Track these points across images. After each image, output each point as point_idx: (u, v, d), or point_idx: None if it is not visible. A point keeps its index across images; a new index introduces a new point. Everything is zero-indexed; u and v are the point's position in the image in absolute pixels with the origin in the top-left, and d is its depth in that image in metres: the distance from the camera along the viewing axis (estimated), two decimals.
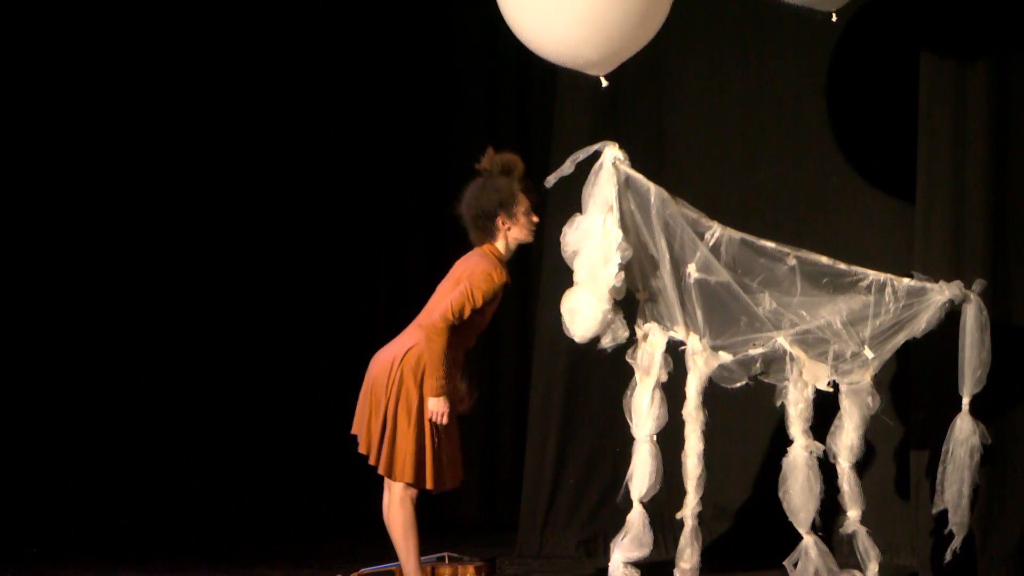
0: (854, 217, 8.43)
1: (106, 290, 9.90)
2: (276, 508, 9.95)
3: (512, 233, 6.97)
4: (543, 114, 9.20)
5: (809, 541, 7.22)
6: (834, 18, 7.22)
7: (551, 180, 7.17)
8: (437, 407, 6.78)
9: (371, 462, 6.86)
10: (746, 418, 8.45)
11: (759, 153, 8.69)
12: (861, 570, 7.30)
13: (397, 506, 6.85)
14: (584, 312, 7.12)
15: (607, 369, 8.02)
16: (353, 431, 6.98)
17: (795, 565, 7.27)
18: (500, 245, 6.98)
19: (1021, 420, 7.79)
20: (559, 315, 7.29)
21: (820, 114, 8.55)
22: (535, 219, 7.02)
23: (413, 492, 6.83)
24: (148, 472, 9.87)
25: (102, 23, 9.84)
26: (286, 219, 10.08)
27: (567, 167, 7.20)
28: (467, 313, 6.80)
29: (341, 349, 9.84)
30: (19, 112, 9.81)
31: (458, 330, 6.80)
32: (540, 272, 8.73)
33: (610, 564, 7.27)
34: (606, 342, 7.19)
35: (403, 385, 6.80)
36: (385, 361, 6.89)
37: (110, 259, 9.91)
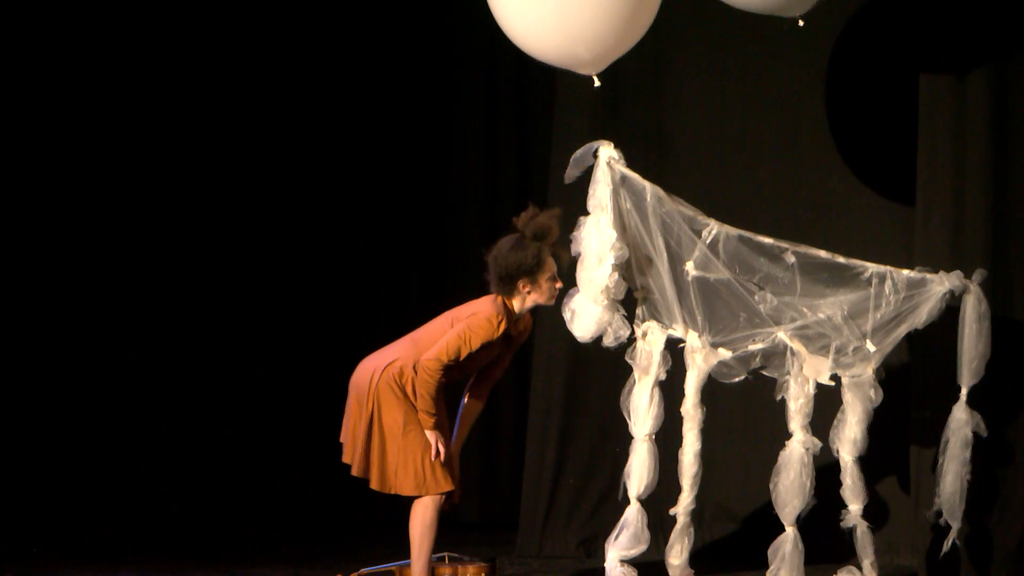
0: (854, 217, 8.43)
1: (105, 291, 9.89)
2: (276, 508, 9.95)
3: (532, 296, 7.03)
4: (543, 114, 9.20)
5: (789, 534, 7.23)
6: (800, 23, 7.21)
7: (572, 176, 7.18)
8: (430, 439, 6.87)
9: (355, 473, 6.92)
10: (747, 418, 8.45)
11: (759, 153, 8.69)
12: (858, 566, 7.31)
13: (421, 507, 6.90)
14: (583, 313, 7.15)
15: (607, 369, 8.03)
16: (341, 439, 7.03)
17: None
18: (516, 302, 7.03)
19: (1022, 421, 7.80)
20: (559, 316, 7.30)
21: (820, 114, 8.55)
22: (558, 285, 7.06)
23: (439, 498, 6.88)
24: (148, 472, 9.86)
25: (102, 23, 9.83)
26: (285, 221, 10.06)
27: (574, 170, 7.20)
28: (463, 356, 6.88)
29: (341, 350, 9.82)
30: (20, 113, 9.80)
31: (448, 370, 6.90)
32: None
33: (606, 563, 7.27)
34: (608, 341, 7.20)
35: (382, 399, 6.86)
36: (366, 372, 6.97)
37: (110, 260, 9.90)
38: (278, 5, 9.98)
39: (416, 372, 6.87)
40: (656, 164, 8.63)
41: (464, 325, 6.88)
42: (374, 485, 6.89)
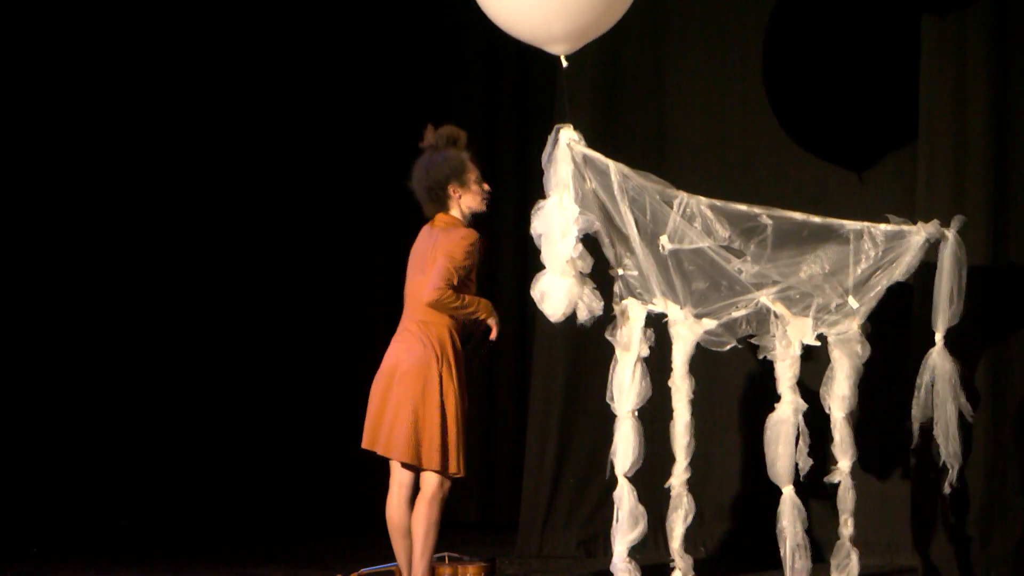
0: (854, 216, 8.41)
1: (106, 292, 9.89)
2: (276, 508, 9.95)
3: (464, 201, 6.97)
4: (543, 113, 9.19)
5: (786, 497, 7.22)
6: None
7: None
8: (495, 326, 6.81)
9: (429, 465, 6.75)
10: (747, 417, 8.45)
11: (759, 152, 8.70)
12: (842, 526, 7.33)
13: (426, 505, 6.83)
14: (553, 291, 7.09)
15: (607, 369, 8.01)
16: (365, 444, 6.87)
17: None
18: (455, 214, 6.95)
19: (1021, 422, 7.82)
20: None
21: (820, 112, 8.55)
22: (486, 187, 7.01)
23: (446, 491, 6.85)
24: (148, 472, 9.86)
25: (105, 26, 9.84)
26: (287, 220, 10.07)
27: (545, 168, 7.18)
28: (458, 272, 6.73)
29: (342, 350, 9.84)
30: (22, 115, 9.80)
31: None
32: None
33: (613, 557, 7.23)
34: (583, 317, 7.13)
35: (442, 385, 6.77)
36: (413, 372, 6.77)
37: (111, 261, 9.90)
38: (277, 4, 10.00)
39: (436, 307, 6.75)
40: (656, 164, 8.63)
41: (443, 257, 6.74)
42: (453, 470, 6.77)
